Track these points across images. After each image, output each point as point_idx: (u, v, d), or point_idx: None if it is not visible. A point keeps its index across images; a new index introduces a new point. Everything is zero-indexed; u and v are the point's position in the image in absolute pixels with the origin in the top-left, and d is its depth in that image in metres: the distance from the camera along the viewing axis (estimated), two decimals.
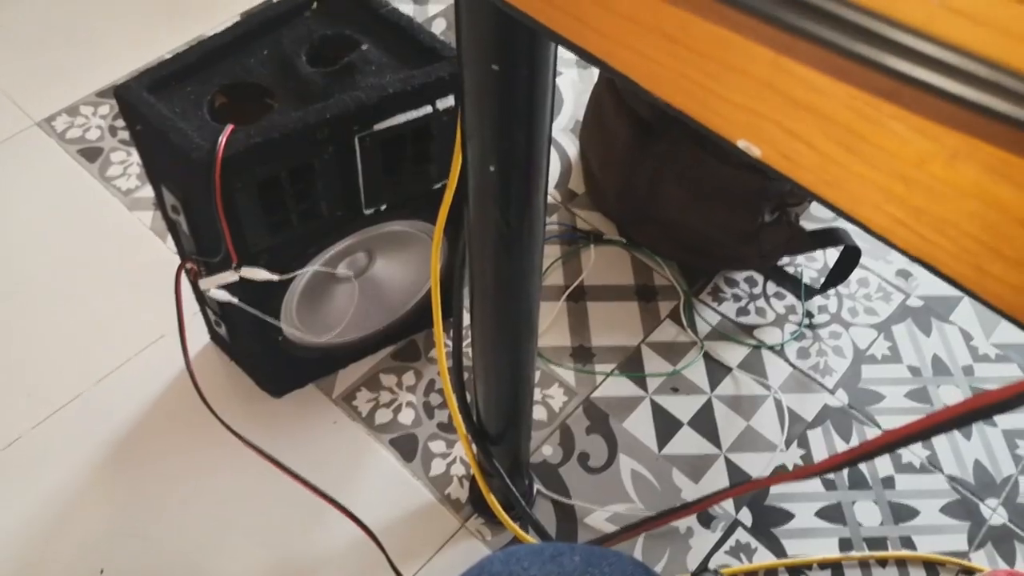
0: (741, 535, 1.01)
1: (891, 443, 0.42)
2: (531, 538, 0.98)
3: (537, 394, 1.12)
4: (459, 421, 0.90)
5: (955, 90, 0.20)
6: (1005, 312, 0.26)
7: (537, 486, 1.04)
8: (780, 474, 0.62)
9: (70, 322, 1.15)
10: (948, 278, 0.27)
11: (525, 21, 0.37)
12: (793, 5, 0.22)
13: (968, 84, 0.20)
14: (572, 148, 1.39)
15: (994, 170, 0.23)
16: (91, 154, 1.33)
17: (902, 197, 0.26)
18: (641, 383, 1.13)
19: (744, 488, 0.64)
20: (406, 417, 1.09)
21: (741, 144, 0.29)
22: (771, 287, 1.24)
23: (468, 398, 0.89)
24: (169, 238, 1.22)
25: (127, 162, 1.32)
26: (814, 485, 1.06)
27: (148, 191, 1.29)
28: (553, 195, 1.33)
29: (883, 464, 1.09)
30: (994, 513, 1.05)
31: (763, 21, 0.23)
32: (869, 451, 0.45)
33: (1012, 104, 0.20)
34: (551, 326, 1.18)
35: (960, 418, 0.35)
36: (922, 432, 0.39)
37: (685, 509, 0.75)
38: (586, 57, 0.34)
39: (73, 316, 1.16)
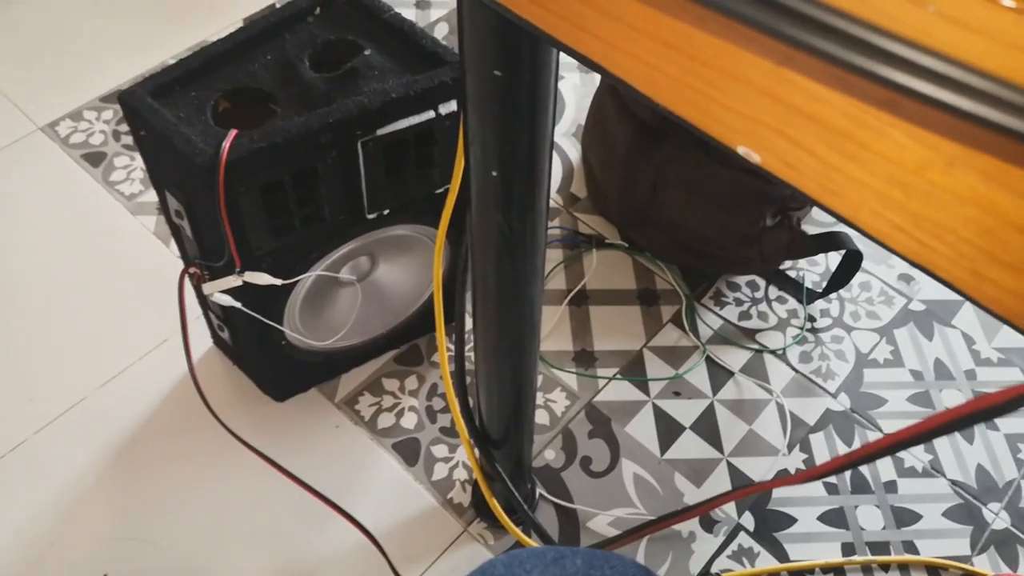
0: (744, 539, 1.01)
1: (892, 445, 0.42)
2: (533, 542, 0.98)
3: (539, 398, 1.12)
4: (461, 425, 0.90)
5: (951, 101, 0.21)
6: (1002, 316, 0.26)
7: (539, 490, 1.04)
8: (783, 478, 0.62)
9: (73, 327, 1.16)
10: (946, 282, 0.27)
11: (525, 27, 0.37)
12: (791, 18, 0.22)
13: (963, 95, 0.21)
14: (574, 152, 1.39)
15: (991, 177, 0.23)
16: (95, 159, 1.33)
17: (901, 203, 0.26)
18: (643, 387, 1.14)
19: (746, 491, 0.64)
20: (408, 421, 1.09)
21: (741, 151, 0.30)
22: (773, 291, 1.24)
23: (470, 402, 0.90)
24: (172, 243, 1.23)
25: (131, 167, 1.33)
26: (816, 489, 1.06)
27: (152, 196, 1.29)
28: (555, 199, 1.33)
29: (885, 468, 1.09)
30: (997, 517, 1.05)
31: (762, 33, 0.24)
32: (871, 453, 0.45)
33: (1006, 114, 0.20)
34: (553, 330, 1.18)
35: (961, 420, 0.36)
36: (923, 435, 0.39)
37: (687, 512, 0.75)
38: (586, 63, 0.35)
39: (76, 321, 1.16)
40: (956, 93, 0.21)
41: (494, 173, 0.58)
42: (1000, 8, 0.21)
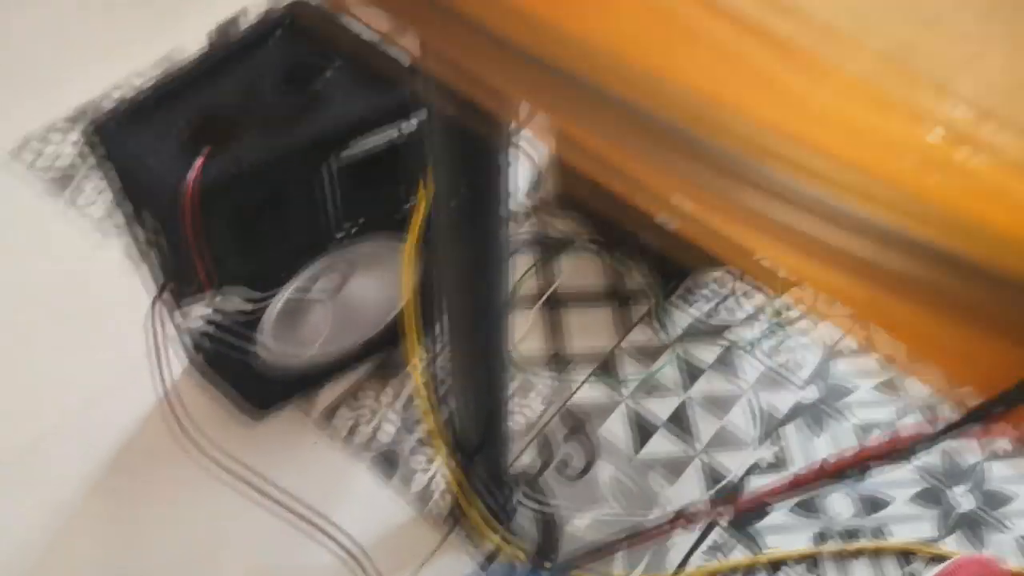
0: (719, 534, 1.04)
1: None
2: (513, 549, 1.00)
3: (514, 403, 1.13)
4: (437, 438, 0.91)
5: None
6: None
7: (517, 496, 1.05)
8: (768, 489, 0.63)
9: (44, 353, 1.15)
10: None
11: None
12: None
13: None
14: (545, 152, 1.40)
15: None
16: (61, 182, 1.32)
17: None
18: (616, 387, 1.15)
19: (732, 500, 0.66)
20: (386, 434, 1.10)
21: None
22: (741, 286, 1.27)
23: (446, 412, 0.91)
24: (143, 267, 1.22)
25: (98, 189, 1.32)
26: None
27: (120, 219, 1.28)
28: (525, 201, 1.34)
29: None
30: (963, 500, 1.08)
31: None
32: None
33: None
34: (527, 334, 1.20)
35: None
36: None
37: (669, 524, 0.76)
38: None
39: (47, 347, 1.16)
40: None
41: (453, 204, 0.59)
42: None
